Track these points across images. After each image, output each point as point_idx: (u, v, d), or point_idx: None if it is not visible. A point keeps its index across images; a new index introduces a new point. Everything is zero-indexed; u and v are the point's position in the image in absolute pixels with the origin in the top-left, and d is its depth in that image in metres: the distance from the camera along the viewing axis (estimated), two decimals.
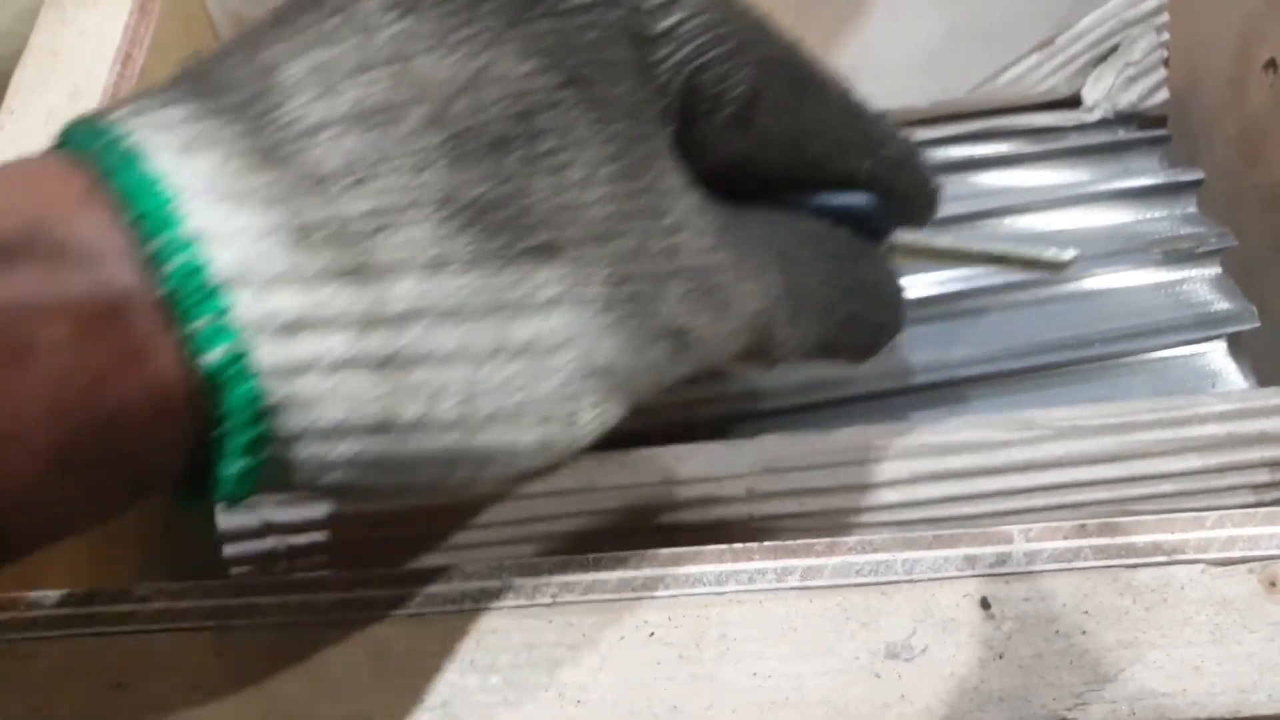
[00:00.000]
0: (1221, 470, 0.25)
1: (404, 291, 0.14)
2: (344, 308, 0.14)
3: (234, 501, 0.15)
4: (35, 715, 0.18)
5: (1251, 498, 0.25)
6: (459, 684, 0.18)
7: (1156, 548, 0.19)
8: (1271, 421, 0.24)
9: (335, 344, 0.14)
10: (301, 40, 0.15)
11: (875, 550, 0.19)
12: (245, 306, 0.13)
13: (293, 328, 0.14)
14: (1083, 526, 0.20)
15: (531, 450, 0.16)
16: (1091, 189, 0.30)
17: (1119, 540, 0.19)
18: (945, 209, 0.30)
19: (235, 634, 0.19)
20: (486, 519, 0.24)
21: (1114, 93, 0.32)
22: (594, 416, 0.17)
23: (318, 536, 0.24)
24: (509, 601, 0.19)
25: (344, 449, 0.15)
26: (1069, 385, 0.28)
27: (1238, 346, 0.28)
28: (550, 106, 0.15)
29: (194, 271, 0.13)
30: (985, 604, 0.19)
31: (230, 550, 0.24)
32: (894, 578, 0.19)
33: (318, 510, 0.24)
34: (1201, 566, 0.19)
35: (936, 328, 0.29)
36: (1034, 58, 0.33)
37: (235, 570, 0.24)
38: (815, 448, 0.25)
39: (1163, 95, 0.33)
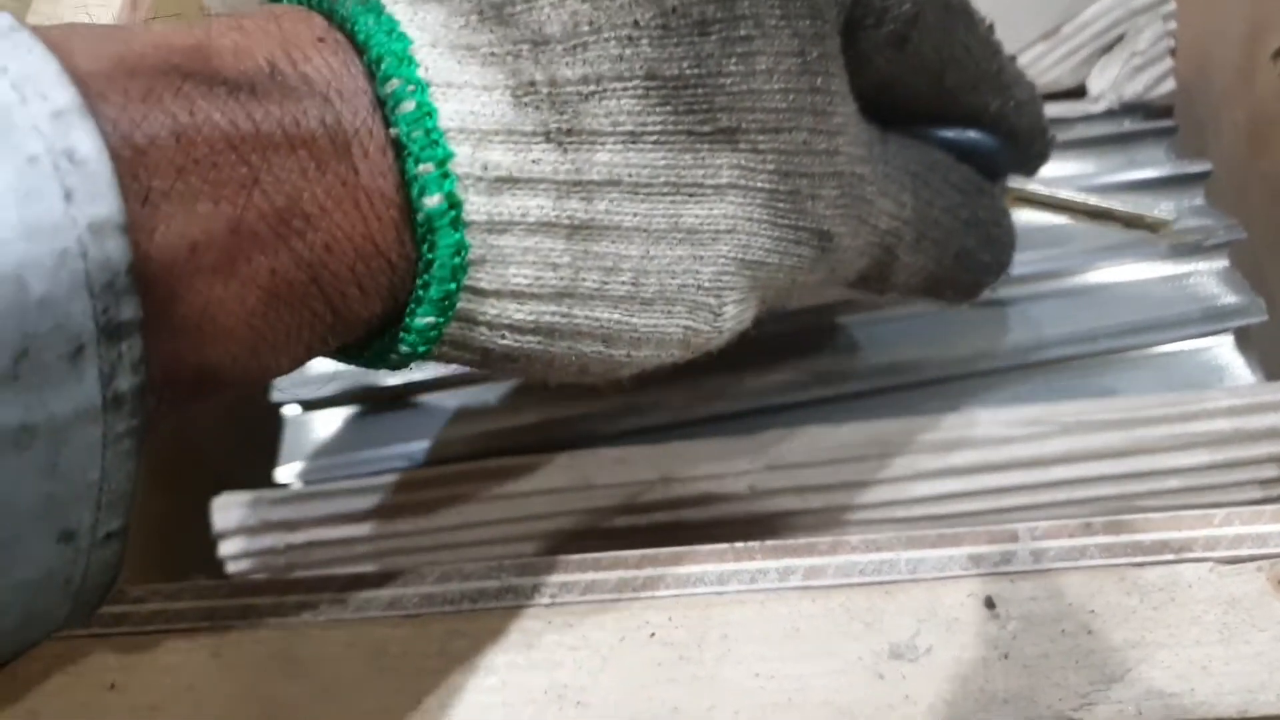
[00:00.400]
0: (1229, 466, 0.25)
1: (604, 159, 0.15)
2: (551, 170, 0.14)
3: (408, 362, 0.15)
4: (29, 717, 0.18)
5: (1259, 493, 0.25)
6: (457, 685, 0.18)
7: (1164, 546, 0.19)
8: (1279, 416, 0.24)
9: (539, 204, 0.14)
10: None
11: (879, 549, 0.19)
12: (464, 157, 0.14)
13: (503, 184, 0.14)
14: (1089, 525, 0.19)
15: (678, 339, 0.17)
16: (1098, 180, 0.30)
17: (1125, 538, 0.19)
18: None
19: (231, 635, 0.19)
20: (483, 517, 0.24)
21: (1120, 83, 0.32)
22: (735, 313, 0.17)
23: (314, 534, 0.24)
24: (507, 601, 0.19)
25: (526, 311, 0.15)
26: (1075, 379, 0.27)
27: (1245, 340, 0.28)
28: None
29: (424, 116, 0.14)
30: (990, 603, 0.19)
31: (226, 548, 0.24)
32: (898, 577, 0.19)
33: (315, 508, 0.24)
34: (1209, 565, 0.19)
35: (942, 322, 0.28)
36: (1039, 47, 0.32)
37: (232, 567, 0.24)
38: (819, 444, 0.25)
39: (1169, 85, 0.32)
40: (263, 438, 0.27)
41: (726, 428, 0.26)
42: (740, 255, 0.17)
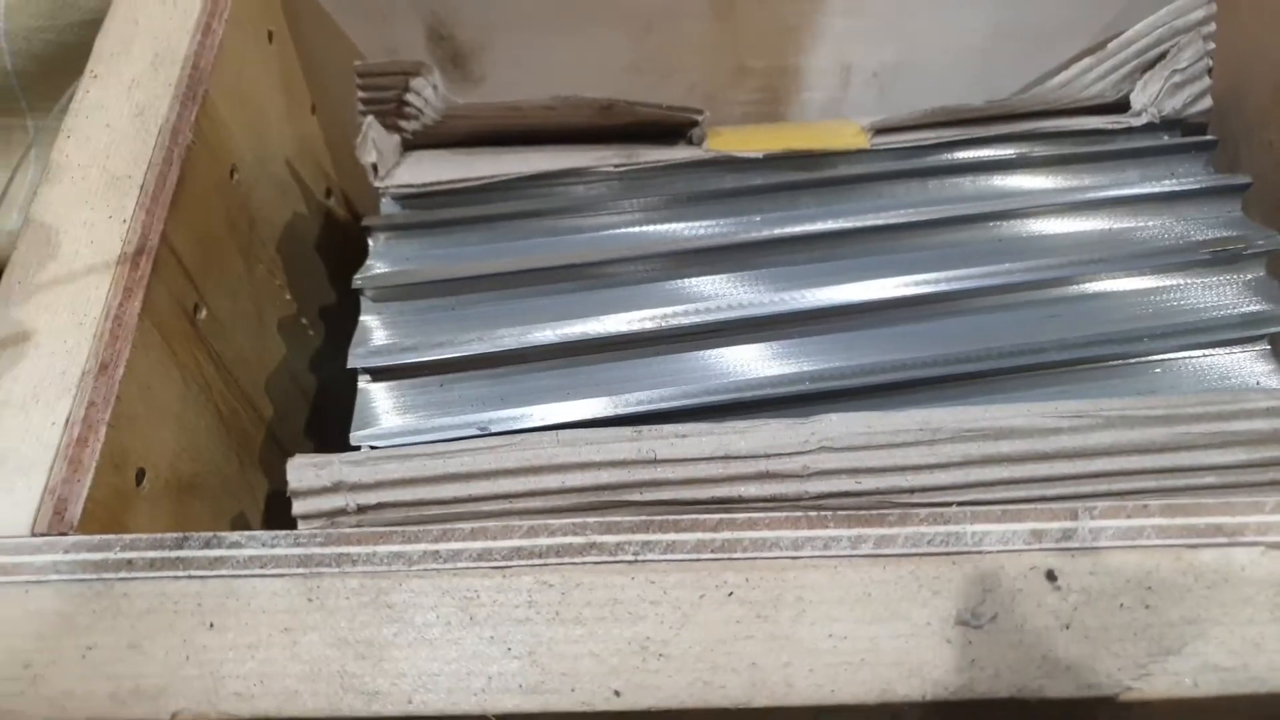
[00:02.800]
0: (1265, 465, 0.26)
1: None
2: None
3: None
4: (133, 650, 0.19)
5: None
6: (545, 635, 0.19)
7: (1217, 529, 0.20)
8: None
9: None
10: None
11: (946, 522, 0.20)
12: None
13: None
14: (1145, 506, 0.20)
15: None
16: (1138, 190, 0.31)
17: (1180, 521, 0.20)
18: (961, 206, 0.31)
19: (326, 580, 0.20)
20: (550, 486, 0.25)
21: (1160, 98, 0.33)
22: None
23: (387, 495, 0.25)
24: (592, 557, 0.20)
25: None
26: (1116, 379, 0.28)
27: None
28: None
29: None
30: (1051, 576, 0.19)
31: (300, 507, 0.25)
32: (964, 549, 0.20)
33: (389, 469, 0.25)
34: (1261, 549, 0.20)
35: (986, 319, 0.29)
36: (1085, 62, 0.33)
37: (304, 527, 0.25)
38: (873, 428, 0.25)
39: (1207, 103, 0.33)
40: (335, 407, 0.28)
41: (784, 410, 0.27)
42: None
